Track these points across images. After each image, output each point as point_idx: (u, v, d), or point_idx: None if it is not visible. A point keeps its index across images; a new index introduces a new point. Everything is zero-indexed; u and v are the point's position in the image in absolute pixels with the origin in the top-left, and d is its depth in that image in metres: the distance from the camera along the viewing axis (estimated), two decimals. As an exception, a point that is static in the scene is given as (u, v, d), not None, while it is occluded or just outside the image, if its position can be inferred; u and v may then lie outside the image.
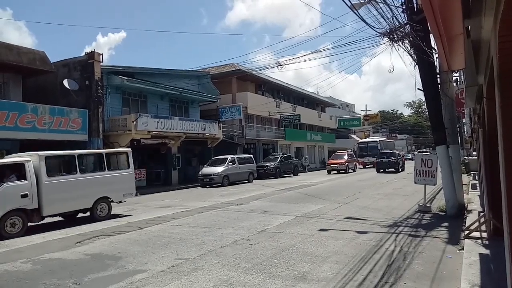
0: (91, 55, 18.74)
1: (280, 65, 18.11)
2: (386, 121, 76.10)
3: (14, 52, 16.33)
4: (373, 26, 9.62)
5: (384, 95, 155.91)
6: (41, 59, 17.31)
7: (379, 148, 36.42)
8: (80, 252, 6.71)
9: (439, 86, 9.91)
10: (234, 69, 30.01)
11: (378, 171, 28.29)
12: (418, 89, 10.03)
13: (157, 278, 5.01)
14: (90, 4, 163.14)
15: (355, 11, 8.62)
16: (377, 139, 41.21)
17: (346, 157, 30.54)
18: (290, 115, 35.34)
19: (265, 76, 33.48)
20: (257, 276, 4.92)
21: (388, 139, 55.24)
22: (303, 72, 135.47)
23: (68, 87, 18.12)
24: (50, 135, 16.21)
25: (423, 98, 12.12)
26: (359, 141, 42.30)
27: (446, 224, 8.21)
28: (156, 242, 7.21)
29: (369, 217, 9.14)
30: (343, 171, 29.18)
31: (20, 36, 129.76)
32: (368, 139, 42.20)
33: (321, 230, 7.76)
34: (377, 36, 9.98)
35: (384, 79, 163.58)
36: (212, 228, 8.39)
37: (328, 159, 37.16)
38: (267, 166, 26.06)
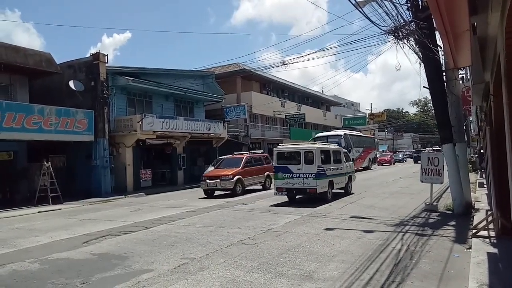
0: (96, 56, 18.84)
1: (285, 64, 18.08)
2: (392, 120, 75.68)
3: (21, 54, 16.47)
4: (378, 24, 9.58)
5: (390, 93, 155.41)
6: (47, 61, 17.43)
7: (343, 145, 24.16)
8: (87, 251, 6.75)
9: (445, 84, 9.84)
10: (238, 68, 30.04)
11: (415, 162, 37.93)
12: (424, 87, 9.98)
13: (164, 277, 5.02)
14: (95, 5, 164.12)
15: (360, 9, 8.58)
16: (341, 132, 28.67)
17: (241, 164, 16.14)
18: (295, 114, 35.28)
19: (269, 76, 33.47)
20: (263, 275, 4.92)
21: (362, 133, 45.73)
22: (309, 71, 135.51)
23: (73, 88, 18.23)
24: (56, 136, 16.32)
25: (429, 96, 12.03)
26: (316, 135, 29.18)
27: (453, 222, 8.15)
28: (162, 241, 7.24)
29: (375, 216, 9.11)
30: (230, 191, 15.15)
31: (29, 37, 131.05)
32: (328, 133, 29.41)
33: (327, 229, 7.74)
34: (382, 34, 9.95)
35: (390, 78, 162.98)
36: (217, 227, 8.40)
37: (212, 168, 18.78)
38: (272, 165, 26.08)
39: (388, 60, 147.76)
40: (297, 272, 5.00)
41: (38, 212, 13.33)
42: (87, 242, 7.57)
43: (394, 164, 42.11)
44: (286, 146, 13.53)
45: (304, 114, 35.48)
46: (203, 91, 26.14)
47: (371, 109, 59.53)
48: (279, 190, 12.34)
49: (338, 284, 4.51)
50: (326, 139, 26.54)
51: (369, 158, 32.73)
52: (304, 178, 11.77)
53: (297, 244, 6.51)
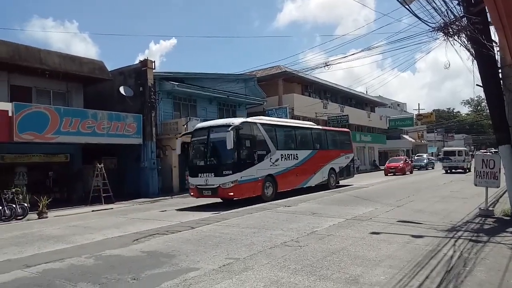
0: (145, 62, 19.73)
1: (327, 65, 17.86)
2: (442, 120, 72.07)
3: (76, 63, 17.64)
4: (426, 21, 9.21)
5: (441, 92, 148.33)
6: (99, 69, 18.52)
7: (230, 146, 12.39)
8: (137, 249, 7.06)
9: (501, 81, 9.24)
10: (280, 71, 30.12)
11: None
12: (477, 85, 9.43)
13: (209, 276, 5.14)
14: (144, 14, 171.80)
15: (407, 6, 8.29)
16: (235, 121, 13.86)
17: None
18: (338, 116, 34.67)
19: (311, 77, 33.21)
20: (307, 278, 4.88)
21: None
22: (354, 71, 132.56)
23: (124, 93, 19.22)
24: (108, 139, 17.26)
25: (482, 95, 11.35)
26: (196, 127, 15.40)
27: (511, 229, 7.61)
28: (207, 241, 7.40)
29: (425, 220, 8.71)
30: None
31: (85, 46, 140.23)
32: (213, 123, 15.16)
33: (373, 233, 7.52)
34: (431, 31, 9.55)
35: (440, 76, 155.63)
36: (261, 229, 8.45)
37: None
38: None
39: (438, 57, 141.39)
40: (342, 276, 4.91)
41: (92, 211, 14.16)
42: (137, 240, 7.92)
43: (411, 173, 30.84)
44: (448, 148, 28.39)
45: (347, 115, 34.78)
46: (245, 94, 26.48)
47: (418, 109, 57.17)
48: (444, 168, 29.52)
49: (385, 289, 4.38)
50: (207, 131, 13.99)
51: (332, 169, 18.61)
52: (457, 162, 28.76)
53: (342, 248, 6.39)
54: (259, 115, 27.87)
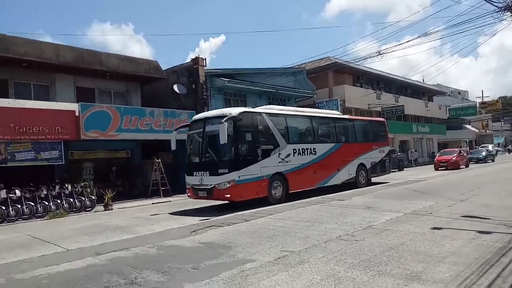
0: (196, 60, 20.31)
1: (380, 54, 17.22)
2: (509, 108, 66.32)
3: (133, 64, 18.61)
4: (491, 1, 8.53)
5: (508, 78, 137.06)
6: (154, 68, 19.38)
7: (222, 140, 10.56)
8: (195, 240, 7.35)
9: None
10: (330, 62, 29.57)
11: None
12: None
13: (266, 268, 5.22)
14: (194, 14, 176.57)
15: (469, -14, 7.72)
16: (232, 111, 11.97)
17: None
18: (393, 107, 33.28)
19: (363, 67, 32.17)
20: (365, 272, 4.78)
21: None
22: (409, 59, 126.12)
23: (177, 91, 19.94)
24: (164, 135, 17.95)
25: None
26: (193, 118, 14.08)
27: None
28: (262, 234, 7.50)
29: (492, 216, 8.13)
30: None
31: (140, 47, 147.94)
32: (207, 114, 13.53)
33: (434, 228, 7.17)
34: (496, 12, 8.84)
35: (507, 60, 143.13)
36: (314, 222, 8.40)
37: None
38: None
39: (504, 40, 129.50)
40: (403, 271, 4.74)
41: (152, 203, 14.94)
42: (194, 231, 8.24)
43: (466, 167, 27.81)
44: None
45: (402, 105, 33.28)
46: (294, 88, 26.33)
47: (482, 97, 52.96)
48: None
49: (451, 287, 4.16)
50: (203, 124, 12.36)
51: (362, 164, 16.49)
52: None
53: (401, 243, 6.16)
54: (309, 108, 27.72)
